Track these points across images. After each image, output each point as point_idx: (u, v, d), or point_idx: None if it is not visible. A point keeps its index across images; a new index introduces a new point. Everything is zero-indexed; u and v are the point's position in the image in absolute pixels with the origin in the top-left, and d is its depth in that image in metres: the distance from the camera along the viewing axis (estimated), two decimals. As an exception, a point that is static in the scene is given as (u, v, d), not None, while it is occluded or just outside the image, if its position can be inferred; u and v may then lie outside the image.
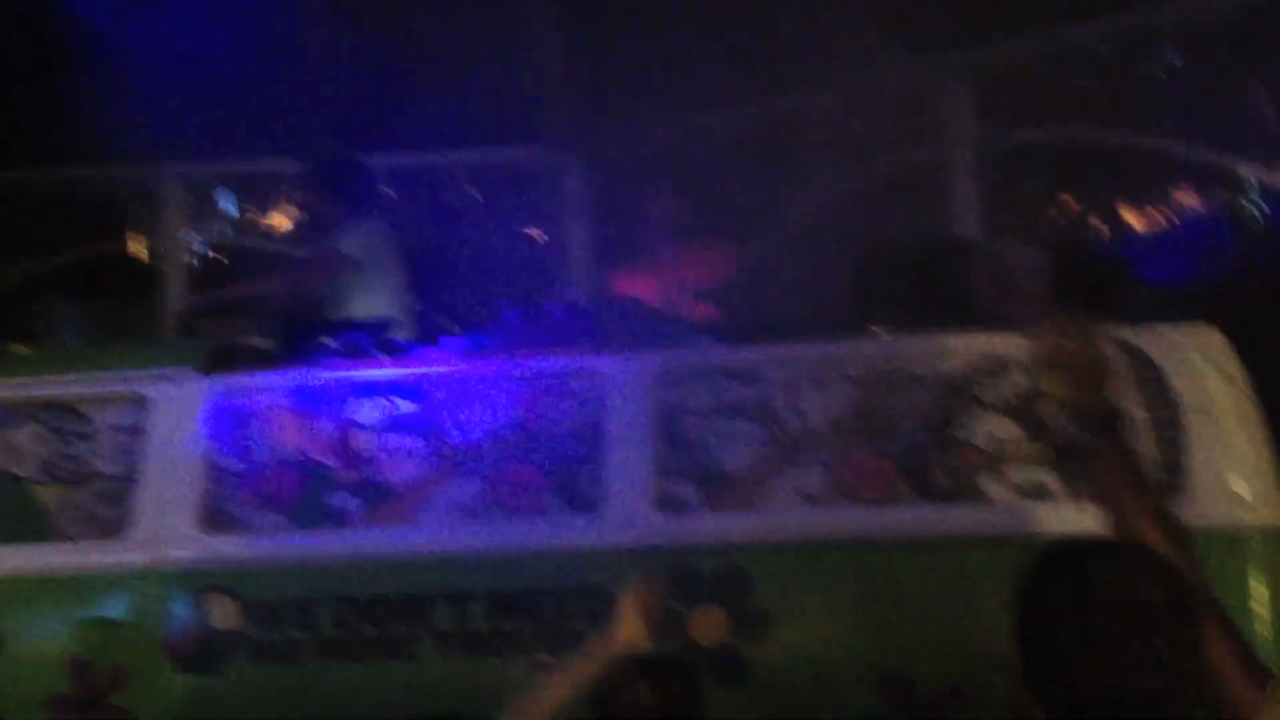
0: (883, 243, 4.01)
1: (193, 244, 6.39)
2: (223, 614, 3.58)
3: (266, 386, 3.80)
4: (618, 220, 5.69)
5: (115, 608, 3.62)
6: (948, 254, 3.94)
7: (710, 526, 3.47)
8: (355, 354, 3.90)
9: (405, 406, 3.73)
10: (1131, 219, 5.26)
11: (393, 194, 5.38)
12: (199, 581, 3.60)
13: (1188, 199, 5.14)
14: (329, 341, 3.94)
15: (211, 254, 6.42)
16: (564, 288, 4.05)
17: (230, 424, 3.77)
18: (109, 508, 3.77)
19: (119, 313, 6.47)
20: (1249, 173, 4.99)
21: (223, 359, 3.93)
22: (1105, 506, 2.46)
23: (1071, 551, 2.00)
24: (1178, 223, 5.12)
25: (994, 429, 3.46)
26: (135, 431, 3.80)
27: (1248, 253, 4.68)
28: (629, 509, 3.49)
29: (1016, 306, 3.76)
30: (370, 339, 3.96)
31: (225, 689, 3.53)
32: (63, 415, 3.88)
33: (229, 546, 3.65)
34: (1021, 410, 3.46)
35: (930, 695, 3.27)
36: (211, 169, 6.40)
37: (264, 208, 6.36)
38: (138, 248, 6.45)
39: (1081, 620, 1.87)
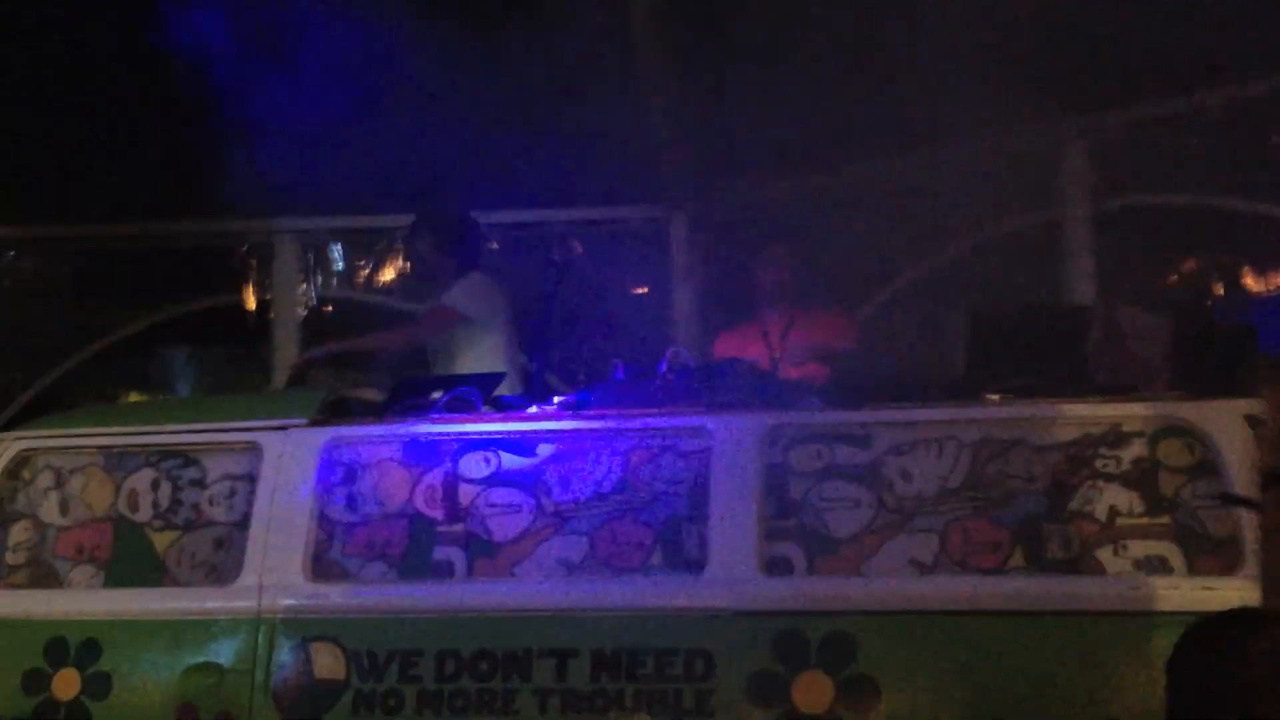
0: (1000, 307, 3.96)
1: (305, 297, 6.52)
2: (328, 663, 3.60)
3: (376, 438, 3.85)
4: (727, 279, 5.69)
5: (223, 653, 3.67)
6: (1066, 320, 3.87)
7: (816, 590, 3.43)
8: (463, 408, 3.93)
9: (511, 461, 3.75)
10: (1253, 286, 5.14)
11: (496, 247, 5.46)
12: (306, 630, 3.63)
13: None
14: (437, 395, 3.98)
15: (323, 307, 6.54)
16: (672, 347, 4.04)
17: (340, 474, 3.81)
18: (220, 554, 3.83)
19: (232, 363, 6.64)
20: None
21: (334, 410, 3.99)
22: (1264, 556, 2.40)
23: (1225, 622, 1.98)
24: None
25: (1112, 500, 3.38)
26: (248, 480, 3.85)
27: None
28: (734, 570, 3.45)
29: (1136, 375, 3.69)
30: (478, 394, 4.00)
31: (328, 738, 3.55)
32: (178, 462, 3.95)
33: (336, 595, 3.68)
34: (1141, 481, 3.38)
35: (1039, 769, 3.19)
36: (324, 223, 6.55)
37: (375, 262, 6.48)
38: (251, 299, 6.60)
39: (1237, 690, 1.84)
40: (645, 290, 6.28)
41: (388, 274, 6.49)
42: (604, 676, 3.42)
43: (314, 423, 3.88)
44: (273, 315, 6.54)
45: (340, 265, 6.55)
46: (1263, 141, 5.18)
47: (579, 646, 3.46)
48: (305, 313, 6.52)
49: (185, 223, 6.57)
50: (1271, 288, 5.09)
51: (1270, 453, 2.61)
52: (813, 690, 3.31)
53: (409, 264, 5.39)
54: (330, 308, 6.54)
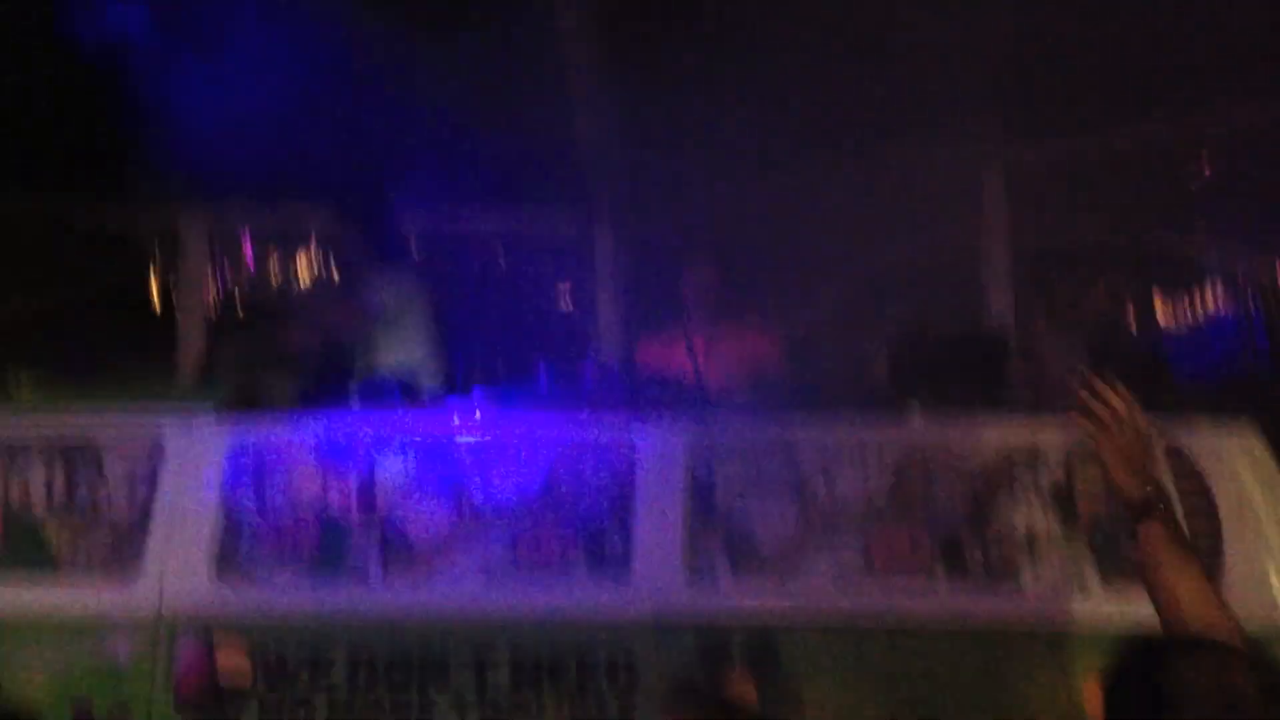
0: (923, 327, 4.02)
1: (213, 287, 6.31)
2: (233, 665, 3.48)
3: (286, 434, 3.74)
4: (650, 285, 5.67)
5: (122, 652, 3.52)
6: (987, 342, 3.95)
7: (740, 599, 3.42)
8: (379, 405, 3.85)
9: (430, 462, 3.68)
10: (1167, 315, 5.30)
11: (415, 249, 5.35)
12: (209, 630, 3.51)
13: (1222, 297, 5.19)
14: (352, 391, 3.89)
15: (232, 298, 6.34)
16: (595, 351, 4.02)
17: (247, 470, 3.70)
18: (119, 549, 3.68)
19: (133, 350, 6.38)
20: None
21: (242, 404, 3.87)
22: (1154, 588, 2.46)
23: (1158, 649, 2.01)
24: (1213, 320, 5.16)
25: (1029, 517, 3.45)
26: (148, 473, 3.72)
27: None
28: (658, 576, 3.43)
29: (1053, 397, 3.77)
30: (395, 391, 3.91)
31: (233, 743, 3.43)
32: (74, 454, 3.79)
33: (242, 596, 3.56)
34: (1057, 499, 3.46)
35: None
36: (235, 212, 6.34)
37: (287, 252, 6.30)
38: (156, 287, 6.37)
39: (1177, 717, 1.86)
40: (568, 294, 6.22)
41: (300, 266, 6.32)
42: (524, 684, 3.37)
43: (221, 416, 3.77)
44: (179, 305, 6.31)
45: (250, 256, 6.35)
46: (1176, 177, 5.34)
47: (498, 653, 3.40)
48: (213, 303, 6.31)
49: (89, 204, 6.30)
50: (1183, 316, 5.25)
51: (1133, 484, 2.56)
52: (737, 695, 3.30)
53: (332, 267, 5.24)
54: (239, 299, 6.33)
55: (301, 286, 6.31)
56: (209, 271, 6.29)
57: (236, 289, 6.32)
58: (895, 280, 5.73)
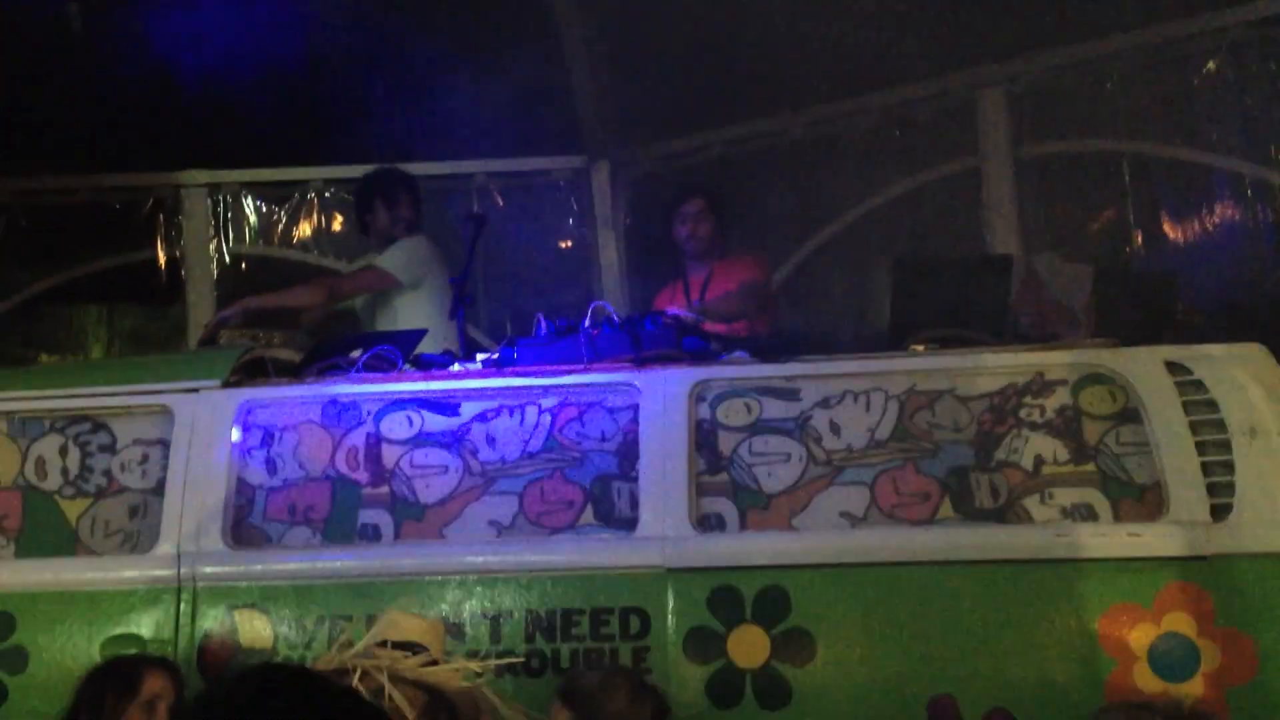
0: (923, 259, 3.96)
1: (217, 253, 6.31)
2: (253, 631, 3.53)
3: (295, 400, 3.75)
4: (651, 232, 5.62)
5: (143, 624, 3.57)
6: (989, 269, 3.89)
7: (749, 546, 3.42)
8: (384, 367, 3.85)
9: (436, 421, 3.69)
10: (1173, 234, 5.18)
11: (412, 204, 5.34)
12: (228, 598, 3.55)
13: (1231, 213, 5.07)
14: (357, 354, 3.89)
15: (238, 263, 6.33)
16: (596, 301, 3.98)
17: (257, 437, 3.72)
18: (135, 522, 3.72)
19: (144, 322, 6.42)
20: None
21: (249, 371, 3.88)
22: None
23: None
24: (1222, 238, 5.04)
25: (1038, 448, 3.42)
26: (161, 445, 3.74)
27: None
28: (666, 527, 3.43)
29: (1059, 324, 3.73)
30: (399, 352, 3.91)
31: (255, 707, 3.48)
32: (86, 427, 3.82)
33: (258, 562, 3.60)
34: (1065, 430, 3.42)
35: (973, 717, 3.22)
36: (235, 175, 6.32)
37: (293, 216, 6.28)
38: (163, 256, 6.37)
39: None
40: (568, 244, 6.19)
41: (304, 228, 6.31)
42: (537, 637, 3.40)
43: (228, 384, 3.78)
44: (184, 273, 6.33)
45: (254, 220, 6.34)
46: (1183, 85, 5.20)
47: (512, 608, 3.42)
48: (218, 270, 6.32)
49: (92, 176, 6.30)
50: (1191, 235, 5.14)
51: None
52: (748, 645, 3.31)
53: (360, 227, 5.22)
54: (245, 264, 6.33)
55: (305, 249, 6.31)
56: (213, 238, 6.28)
57: (241, 254, 6.32)
58: (898, 212, 5.64)
